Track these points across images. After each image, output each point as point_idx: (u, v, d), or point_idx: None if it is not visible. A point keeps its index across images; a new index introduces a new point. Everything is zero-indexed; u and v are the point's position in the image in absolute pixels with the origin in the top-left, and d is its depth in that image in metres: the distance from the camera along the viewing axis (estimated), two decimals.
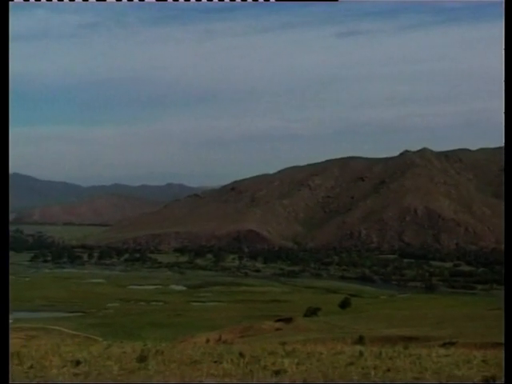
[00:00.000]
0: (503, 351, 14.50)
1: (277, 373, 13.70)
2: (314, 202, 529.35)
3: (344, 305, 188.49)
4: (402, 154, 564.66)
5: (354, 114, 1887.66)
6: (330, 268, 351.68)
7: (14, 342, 23.70)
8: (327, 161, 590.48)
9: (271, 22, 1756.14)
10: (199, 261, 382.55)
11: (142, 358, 15.40)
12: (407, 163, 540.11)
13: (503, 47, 14.37)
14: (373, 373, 15.89)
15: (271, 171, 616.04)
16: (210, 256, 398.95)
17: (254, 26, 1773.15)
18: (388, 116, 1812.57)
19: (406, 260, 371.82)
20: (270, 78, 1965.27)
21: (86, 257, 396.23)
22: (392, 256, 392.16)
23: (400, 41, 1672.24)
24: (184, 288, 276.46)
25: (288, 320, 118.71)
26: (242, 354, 17.12)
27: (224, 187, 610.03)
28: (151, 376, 13.08)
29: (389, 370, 16.51)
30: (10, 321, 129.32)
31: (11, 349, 16.80)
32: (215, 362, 15.93)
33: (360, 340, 58.00)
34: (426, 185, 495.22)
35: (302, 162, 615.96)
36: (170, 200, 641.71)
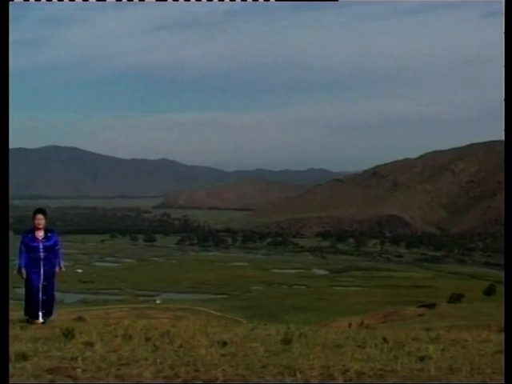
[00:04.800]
0: (503, 353, 13.74)
1: (421, 359, 13.58)
2: (458, 187, 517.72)
3: (489, 292, 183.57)
4: None
5: (498, 96, 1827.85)
6: (474, 254, 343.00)
7: (163, 321, 24.59)
8: (471, 145, 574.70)
9: (415, 4, 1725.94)
10: (341, 245, 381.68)
11: (287, 341, 15.61)
12: None
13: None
14: None
15: (413, 156, 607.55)
16: (351, 241, 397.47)
17: (398, 8, 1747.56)
18: None
19: None
20: (412, 61, 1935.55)
21: (230, 240, 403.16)
22: None
23: None
24: (326, 272, 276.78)
25: (431, 306, 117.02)
26: (385, 339, 17.08)
27: (365, 172, 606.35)
28: (295, 358, 13.29)
29: None
30: (158, 301, 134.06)
31: (161, 328, 17.52)
32: (358, 346, 15.94)
33: None
34: None
35: (445, 146, 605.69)
36: (312, 185, 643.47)
